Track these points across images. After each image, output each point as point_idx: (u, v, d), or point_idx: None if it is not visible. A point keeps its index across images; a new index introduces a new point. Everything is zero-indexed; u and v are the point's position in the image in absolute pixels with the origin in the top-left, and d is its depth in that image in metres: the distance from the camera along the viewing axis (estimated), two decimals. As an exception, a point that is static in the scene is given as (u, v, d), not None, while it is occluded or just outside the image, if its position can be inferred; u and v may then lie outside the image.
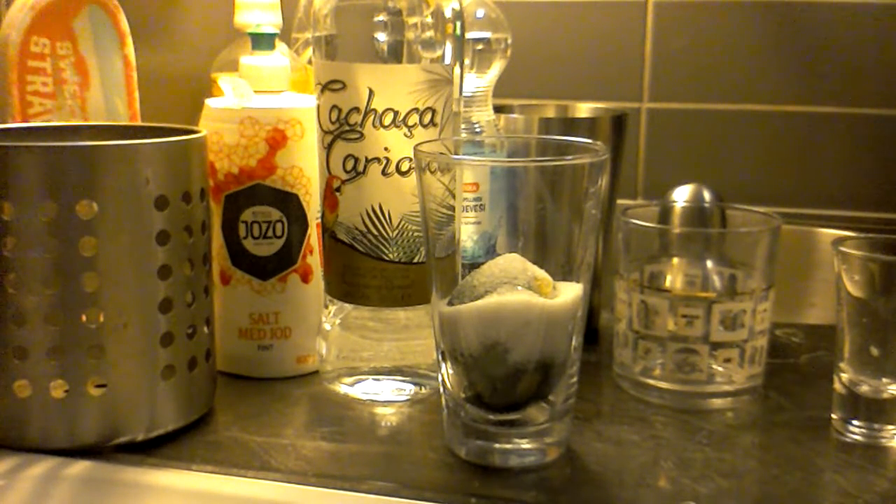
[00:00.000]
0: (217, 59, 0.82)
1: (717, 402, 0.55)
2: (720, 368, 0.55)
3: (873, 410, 0.50)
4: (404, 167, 0.52)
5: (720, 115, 0.97)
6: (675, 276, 0.57)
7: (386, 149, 0.52)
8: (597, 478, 0.46)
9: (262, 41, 0.60)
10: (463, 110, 0.59)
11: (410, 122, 0.52)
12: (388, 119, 0.52)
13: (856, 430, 0.50)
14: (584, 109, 0.71)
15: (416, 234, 0.53)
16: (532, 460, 0.47)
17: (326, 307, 0.57)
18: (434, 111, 0.53)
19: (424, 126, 0.52)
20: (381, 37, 0.52)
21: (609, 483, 0.46)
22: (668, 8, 0.96)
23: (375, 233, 0.53)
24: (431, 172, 0.46)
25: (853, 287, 0.49)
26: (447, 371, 0.47)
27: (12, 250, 0.45)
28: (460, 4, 0.54)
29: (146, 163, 0.47)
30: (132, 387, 0.47)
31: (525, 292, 0.45)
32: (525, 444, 0.47)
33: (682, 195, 0.84)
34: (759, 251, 0.55)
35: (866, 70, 0.93)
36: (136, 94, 0.68)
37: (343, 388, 0.56)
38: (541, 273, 0.45)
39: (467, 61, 0.61)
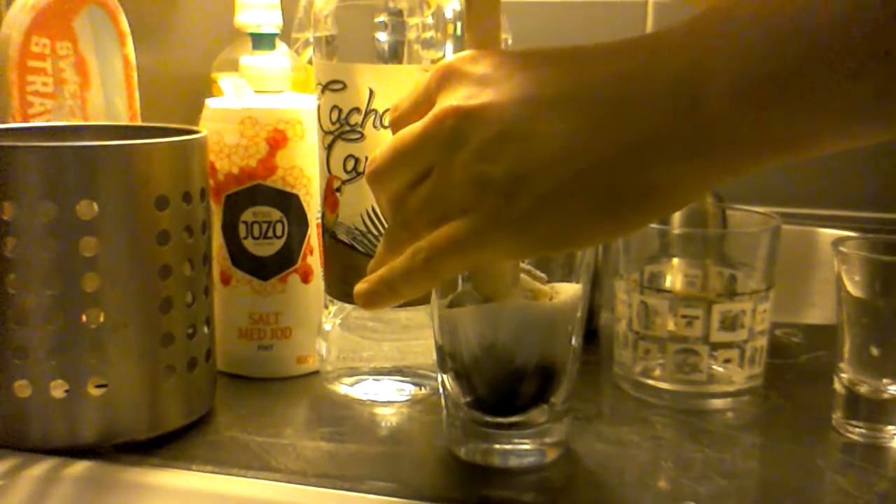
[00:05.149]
0: (217, 59, 0.82)
1: (717, 403, 0.55)
2: (720, 369, 0.55)
3: (873, 410, 0.50)
4: (404, 167, 0.52)
5: (720, 116, 0.96)
6: (675, 277, 0.57)
7: (386, 149, 0.52)
8: (597, 478, 0.46)
9: (262, 41, 0.60)
10: (463, 110, 0.59)
11: (410, 123, 0.52)
12: (388, 119, 0.52)
13: (856, 430, 0.50)
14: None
15: (416, 234, 0.53)
16: (531, 461, 0.47)
17: (326, 307, 0.57)
18: (434, 111, 0.52)
19: (424, 126, 0.52)
20: (382, 37, 0.52)
21: (609, 483, 0.46)
22: (668, 8, 0.96)
23: (376, 233, 0.53)
24: (431, 172, 0.46)
25: (853, 287, 0.49)
26: (447, 372, 0.47)
27: (12, 250, 0.45)
28: (461, 5, 0.54)
29: (146, 163, 0.47)
30: (132, 387, 0.47)
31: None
32: (524, 445, 0.47)
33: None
34: (759, 251, 0.55)
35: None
36: (136, 94, 0.68)
37: (343, 388, 0.56)
38: (536, 286, 0.45)
39: (467, 61, 0.61)
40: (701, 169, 0.34)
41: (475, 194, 0.36)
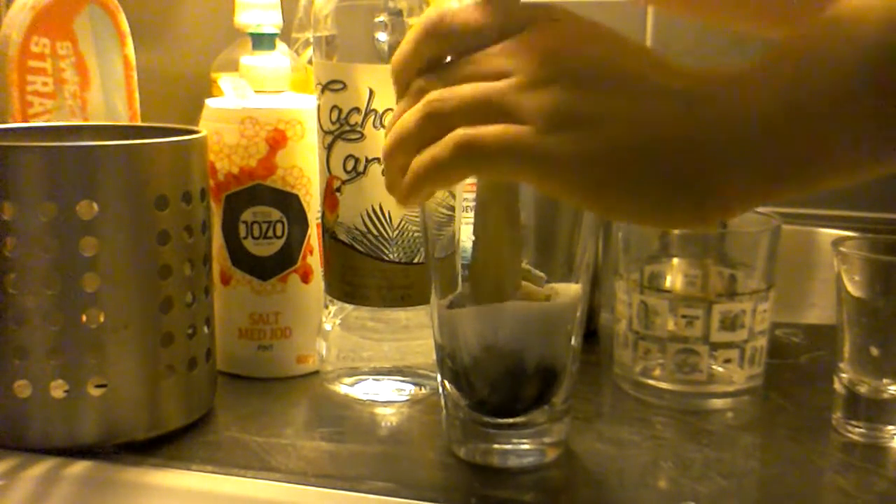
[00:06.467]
0: (217, 59, 0.82)
1: (717, 403, 0.55)
2: (720, 369, 0.55)
3: (873, 410, 0.50)
4: (404, 167, 0.52)
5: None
6: (675, 277, 0.57)
7: (386, 149, 0.52)
8: (596, 478, 0.46)
9: (262, 41, 0.60)
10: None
11: (410, 123, 0.52)
12: (388, 119, 0.52)
13: (856, 430, 0.50)
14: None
15: (416, 234, 0.53)
16: (531, 461, 0.47)
17: (326, 307, 0.57)
18: (434, 111, 0.52)
19: (424, 126, 0.52)
20: (382, 37, 0.52)
21: (609, 483, 0.46)
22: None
23: (376, 233, 0.53)
24: (431, 172, 0.46)
25: (853, 287, 0.49)
26: (447, 372, 0.47)
27: (12, 250, 0.45)
28: (461, 5, 0.54)
29: (146, 163, 0.47)
30: (132, 387, 0.47)
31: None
32: (524, 445, 0.47)
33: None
34: (759, 251, 0.55)
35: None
36: (136, 94, 0.68)
37: (343, 388, 0.56)
38: (533, 288, 0.45)
39: (467, 61, 0.61)
40: (752, 186, 0.36)
41: (553, 114, 0.35)
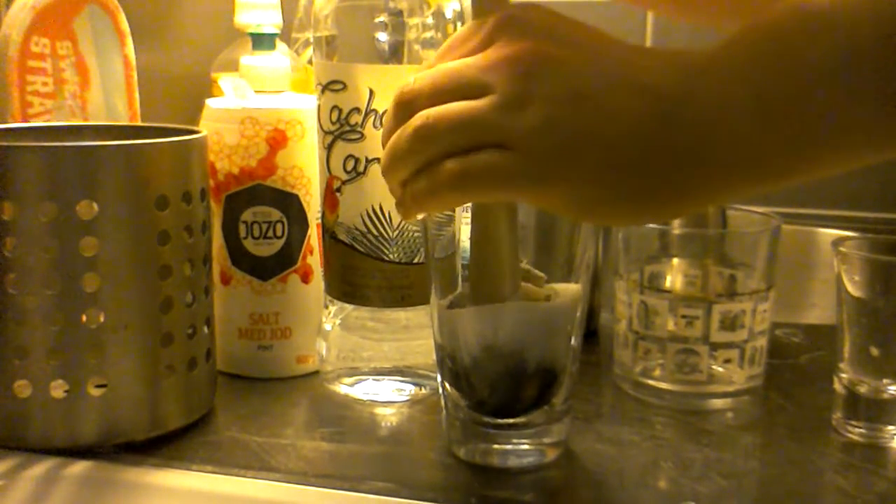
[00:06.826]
0: (217, 59, 0.82)
1: (717, 403, 0.55)
2: (720, 369, 0.55)
3: (873, 410, 0.50)
4: (404, 167, 0.52)
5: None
6: (675, 277, 0.57)
7: (386, 149, 0.52)
8: (596, 478, 0.46)
9: (262, 41, 0.60)
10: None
11: (410, 123, 0.52)
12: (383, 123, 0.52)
13: (856, 430, 0.50)
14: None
15: (416, 234, 0.53)
16: (531, 461, 0.47)
17: (326, 307, 0.57)
18: (434, 111, 0.52)
19: (424, 126, 0.52)
20: (382, 37, 0.52)
21: (609, 484, 0.46)
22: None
23: (376, 233, 0.53)
24: (431, 173, 0.46)
25: (853, 287, 0.49)
26: (447, 373, 0.47)
27: (12, 250, 0.45)
28: (461, 5, 0.54)
29: (146, 163, 0.47)
30: (132, 387, 0.47)
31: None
32: (524, 445, 0.47)
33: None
34: (759, 251, 0.55)
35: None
36: (136, 94, 0.68)
37: (343, 388, 0.56)
38: (533, 288, 0.45)
39: (467, 61, 0.61)
40: (727, 182, 0.36)
41: (538, 136, 0.36)
